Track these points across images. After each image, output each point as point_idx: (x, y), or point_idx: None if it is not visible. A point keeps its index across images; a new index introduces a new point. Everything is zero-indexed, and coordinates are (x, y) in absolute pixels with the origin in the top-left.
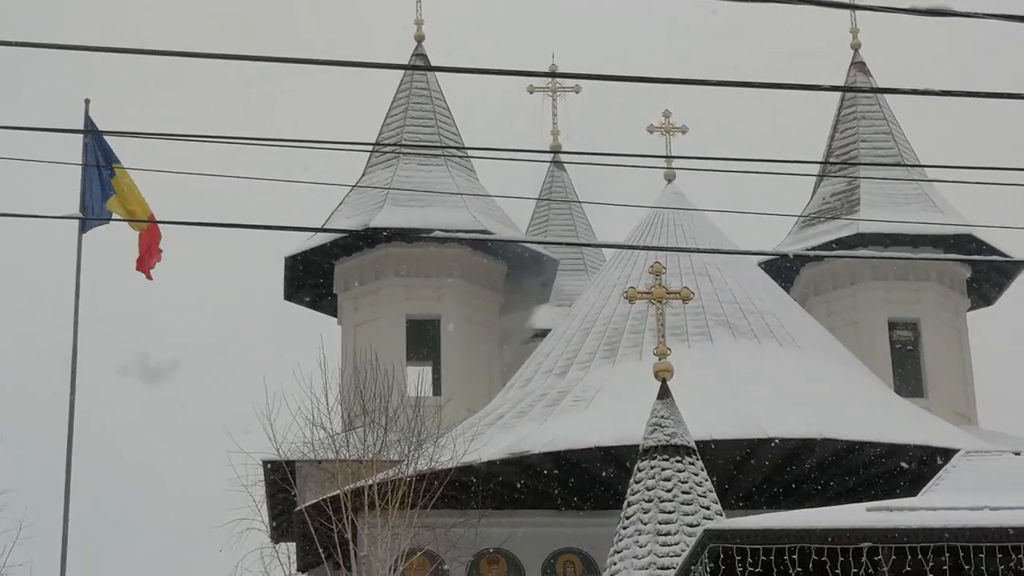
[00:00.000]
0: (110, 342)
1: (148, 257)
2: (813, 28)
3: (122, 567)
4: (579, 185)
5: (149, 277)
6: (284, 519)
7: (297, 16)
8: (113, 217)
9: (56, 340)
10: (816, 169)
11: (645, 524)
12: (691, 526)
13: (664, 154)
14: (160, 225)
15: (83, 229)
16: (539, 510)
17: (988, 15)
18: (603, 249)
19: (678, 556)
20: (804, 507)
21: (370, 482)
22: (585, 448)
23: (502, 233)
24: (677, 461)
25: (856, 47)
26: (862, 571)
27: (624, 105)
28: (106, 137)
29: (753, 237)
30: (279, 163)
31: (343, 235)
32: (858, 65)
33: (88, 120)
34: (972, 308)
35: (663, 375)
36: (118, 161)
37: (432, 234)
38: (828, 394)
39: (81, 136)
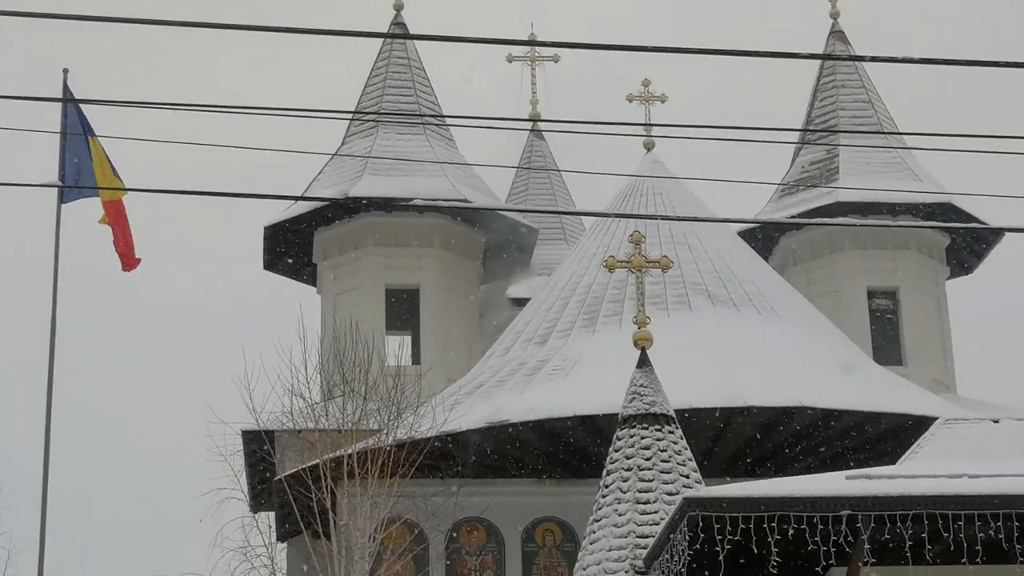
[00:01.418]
0: (89, 313)
1: (128, 253)
2: None
3: (101, 537)
4: (558, 154)
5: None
6: (263, 489)
7: None
8: (94, 186)
9: (35, 312)
10: (795, 138)
11: (624, 493)
12: (670, 494)
13: (643, 123)
14: (139, 193)
15: (62, 199)
16: (519, 479)
17: None
18: (583, 218)
19: (657, 524)
20: (783, 475)
21: (349, 451)
22: (565, 417)
23: (481, 202)
24: (657, 430)
25: (835, 16)
26: (841, 539)
27: (603, 74)
28: (85, 107)
29: (732, 206)
30: (258, 132)
31: (322, 204)
32: (837, 34)
33: (67, 90)
34: (951, 276)
35: (642, 344)
36: (94, 133)
37: (411, 203)
38: (807, 363)
39: (60, 106)
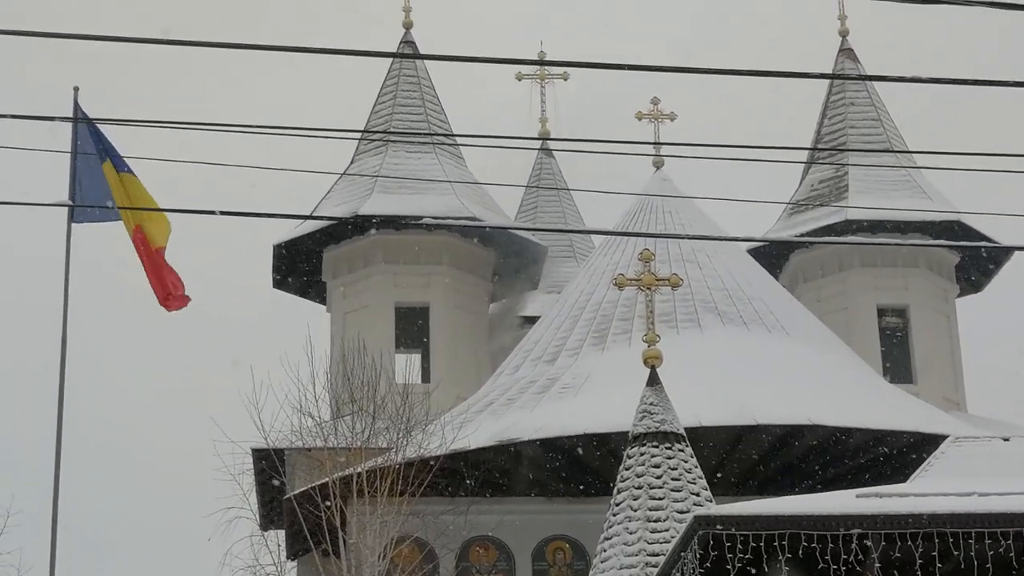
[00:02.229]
0: (99, 331)
1: (169, 291)
2: (801, 14)
3: (111, 556)
4: (568, 172)
5: (180, 303)
6: (273, 507)
7: (285, 3)
8: (108, 205)
9: (45, 331)
10: (805, 156)
11: (635, 511)
12: (681, 513)
13: (653, 141)
14: (152, 212)
15: (72, 218)
16: (529, 497)
17: (977, 2)
18: (592, 236)
19: (668, 543)
20: (794, 493)
21: (359, 470)
22: (575, 435)
23: (491, 220)
24: (667, 448)
25: (844, 34)
26: (851, 557)
27: (613, 92)
28: (96, 126)
29: (742, 224)
30: (268, 150)
31: (332, 223)
32: (846, 52)
33: (77, 108)
34: (961, 294)
35: (652, 362)
36: (108, 154)
37: (421, 221)
38: (817, 380)
39: (71, 125)
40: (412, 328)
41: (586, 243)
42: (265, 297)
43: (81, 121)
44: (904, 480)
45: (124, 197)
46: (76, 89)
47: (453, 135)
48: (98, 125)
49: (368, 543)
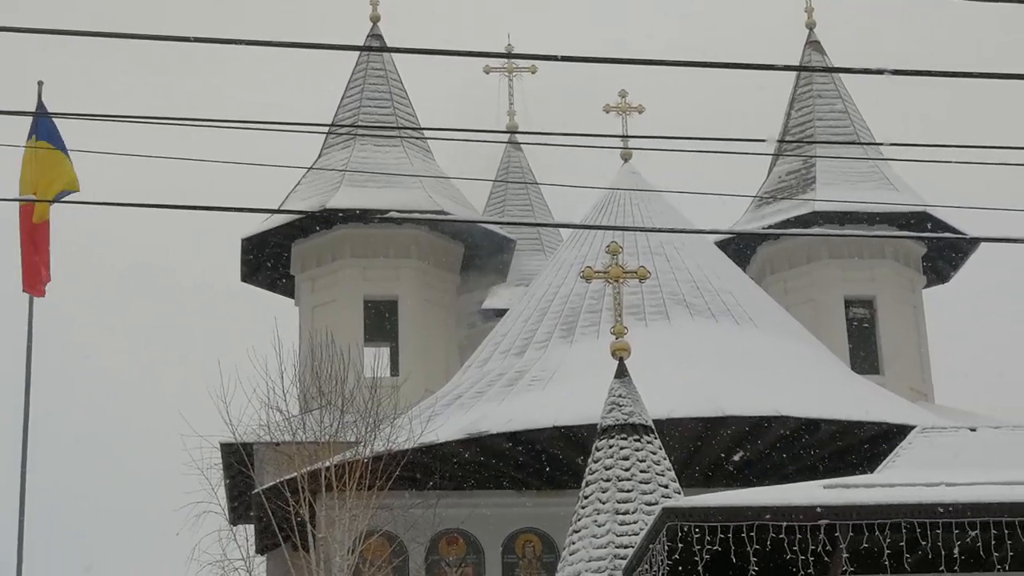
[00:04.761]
0: (64, 326)
1: (35, 275)
2: (768, 6)
3: (78, 551)
4: (536, 163)
5: (40, 293)
6: (242, 501)
7: None
8: (66, 199)
9: (10, 328)
10: (772, 148)
11: (604, 503)
12: (649, 505)
13: (620, 134)
14: (121, 207)
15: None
16: (498, 490)
17: None
18: (560, 228)
19: (637, 535)
20: (762, 484)
21: (327, 464)
22: (543, 428)
23: (459, 214)
24: (635, 440)
25: (811, 26)
26: (819, 548)
27: (580, 85)
28: (61, 120)
29: (710, 216)
30: (236, 144)
31: (300, 216)
32: (813, 44)
33: (40, 103)
34: (928, 285)
35: (620, 354)
36: (66, 150)
37: (388, 215)
38: (785, 372)
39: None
40: (381, 321)
41: (554, 236)
42: (233, 291)
43: (42, 115)
44: (872, 471)
45: (36, 165)
46: (40, 83)
47: (421, 128)
48: (62, 119)
49: (337, 537)
